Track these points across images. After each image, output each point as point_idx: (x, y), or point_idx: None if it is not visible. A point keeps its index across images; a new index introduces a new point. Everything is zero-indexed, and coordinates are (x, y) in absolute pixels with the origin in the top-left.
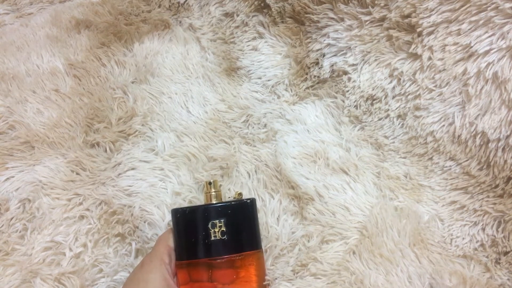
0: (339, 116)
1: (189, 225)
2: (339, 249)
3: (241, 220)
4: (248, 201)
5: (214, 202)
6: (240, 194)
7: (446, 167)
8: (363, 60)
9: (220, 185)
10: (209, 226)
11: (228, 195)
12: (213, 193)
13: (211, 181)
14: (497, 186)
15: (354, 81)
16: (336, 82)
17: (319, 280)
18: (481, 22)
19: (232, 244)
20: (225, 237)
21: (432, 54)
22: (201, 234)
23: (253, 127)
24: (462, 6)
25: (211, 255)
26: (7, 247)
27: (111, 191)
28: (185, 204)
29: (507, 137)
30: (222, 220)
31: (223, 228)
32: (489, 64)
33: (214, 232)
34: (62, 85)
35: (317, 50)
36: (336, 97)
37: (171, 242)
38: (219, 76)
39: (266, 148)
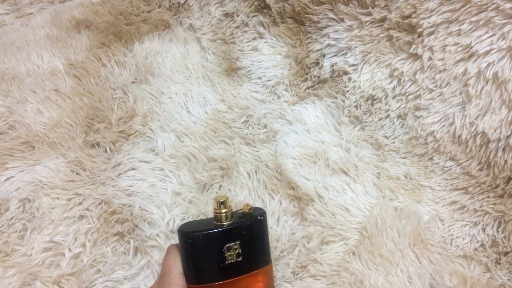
0: (339, 116)
1: (203, 250)
2: (339, 250)
3: (255, 239)
4: (262, 217)
5: (227, 224)
6: (249, 206)
7: (446, 167)
8: (363, 60)
9: (231, 202)
10: (224, 249)
11: (228, 196)
12: (224, 213)
13: (223, 200)
14: (497, 186)
15: (354, 81)
16: (336, 82)
17: (319, 281)
18: (481, 22)
19: (248, 263)
20: (240, 258)
21: (433, 54)
22: (216, 259)
23: (253, 128)
24: (462, 6)
25: (226, 278)
26: (6, 248)
27: (111, 191)
28: (185, 204)
29: (508, 137)
30: (237, 242)
31: (239, 250)
32: (489, 64)
33: (230, 255)
34: (62, 85)
35: (317, 50)
36: (336, 97)
37: (181, 268)
38: (219, 76)
39: (266, 149)
